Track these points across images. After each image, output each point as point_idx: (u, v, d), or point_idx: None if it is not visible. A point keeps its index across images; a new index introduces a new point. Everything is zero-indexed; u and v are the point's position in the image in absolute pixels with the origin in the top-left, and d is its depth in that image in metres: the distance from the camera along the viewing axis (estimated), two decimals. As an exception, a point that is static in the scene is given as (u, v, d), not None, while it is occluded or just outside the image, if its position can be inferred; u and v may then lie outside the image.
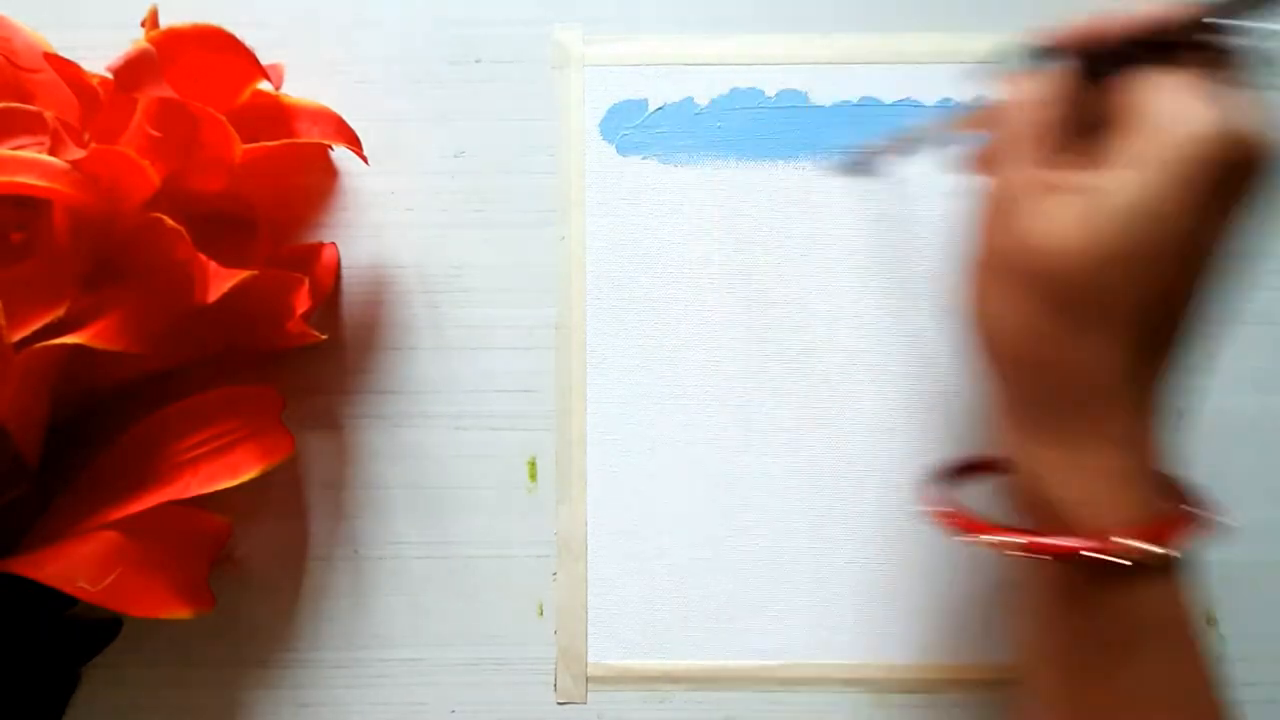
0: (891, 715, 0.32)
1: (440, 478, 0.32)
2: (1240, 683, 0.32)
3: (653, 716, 0.32)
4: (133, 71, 0.26)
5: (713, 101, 0.33)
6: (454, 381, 0.33)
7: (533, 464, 0.32)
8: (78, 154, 0.26)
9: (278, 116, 0.31)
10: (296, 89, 0.32)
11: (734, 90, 0.33)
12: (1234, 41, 0.22)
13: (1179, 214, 0.21)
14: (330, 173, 0.33)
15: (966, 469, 0.29)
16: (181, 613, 0.28)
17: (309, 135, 0.31)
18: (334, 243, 0.32)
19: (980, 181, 0.25)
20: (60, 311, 0.26)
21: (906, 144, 0.32)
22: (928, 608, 0.32)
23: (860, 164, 0.33)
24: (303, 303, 0.30)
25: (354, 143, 0.31)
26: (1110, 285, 0.22)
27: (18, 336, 0.26)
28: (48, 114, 0.27)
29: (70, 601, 0.28)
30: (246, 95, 0.30)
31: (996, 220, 0.24)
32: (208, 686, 0.32)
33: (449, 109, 0.33)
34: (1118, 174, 0.22)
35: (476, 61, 0.33)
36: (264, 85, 0.30)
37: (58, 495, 0.29)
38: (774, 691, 0.32)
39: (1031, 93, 0.24)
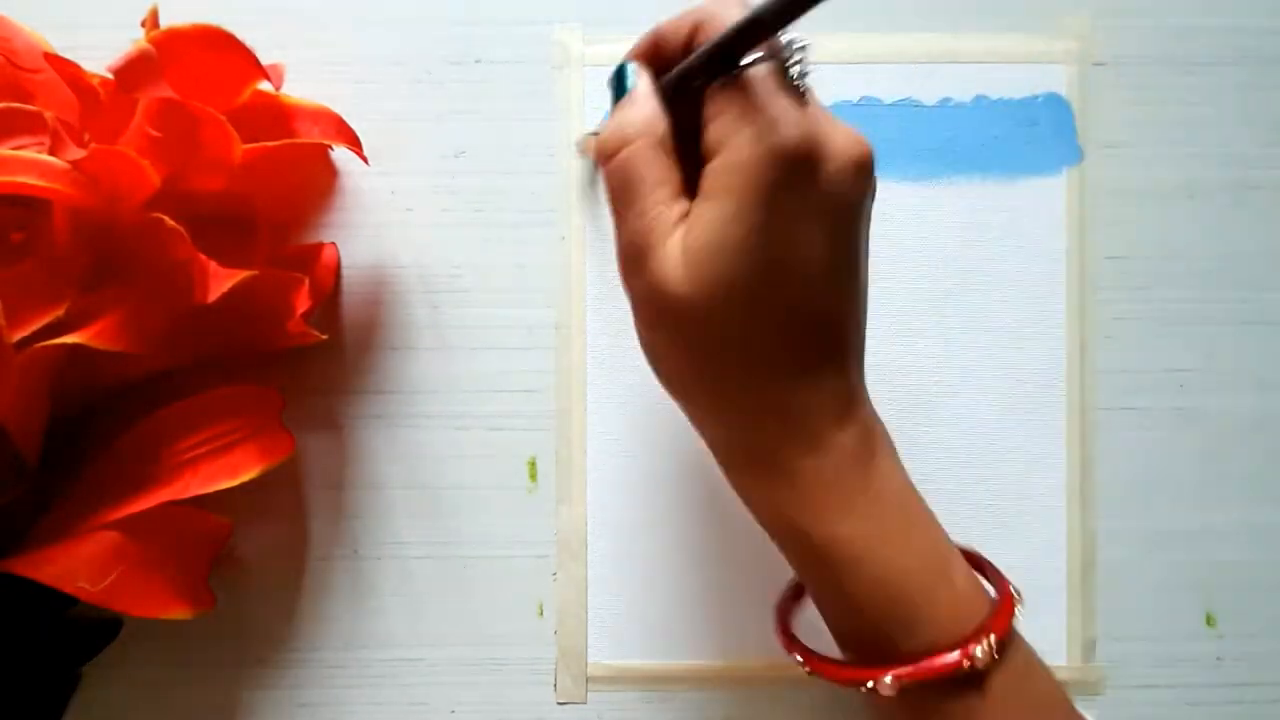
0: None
1: (440, 478, 0.32)
2: (1240, 683, 0.32)
3: (653, 716, 0.32)
4: (133, 72, 0.26)
5: (713, 101, 0.33)
6: (454, 381, 0.33)
7: (533, 464, 0.32)
8: (78, 154, 0.26)
9: (278, 116, 0.31)
10: (296, 89, 0.32)
11: (734, 90, 0.33)
12: (783, 49, 0.22)
13: (764, 235, 0.21)
14: (330, 173, 0.33)
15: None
16: (181, 613, 0.28)
17: (309, 135, 0.31)
18: (334, 243, 0.32)
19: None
20: (60, 311, 0.26)
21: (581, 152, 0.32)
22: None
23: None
24: (303, 303, 0.30)
25: (354, 143, 0.31)
26: (735, 317, 0.22)
27: (18, 336, 0.26)
28: (48, 114, 0.27)
29: (70, 601, 0.28)
30: (246, 95, 0.30)
31: (629, 270, 0.24)
32: (208, 686, 0.32)
33: (449, 109, 0.33)
34: (701, 206, 0.22)
35: (476, 61, 0.33)
36: (264, 85, 0.30)
37: (58, 495, 0.29)
38: (774, 691, 0.32)
39: (645, 123, 0.23)
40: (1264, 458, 0.32)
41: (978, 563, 0.26)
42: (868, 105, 0.33)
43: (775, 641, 0.27)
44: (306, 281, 0.30)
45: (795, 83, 0.22)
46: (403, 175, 0.33)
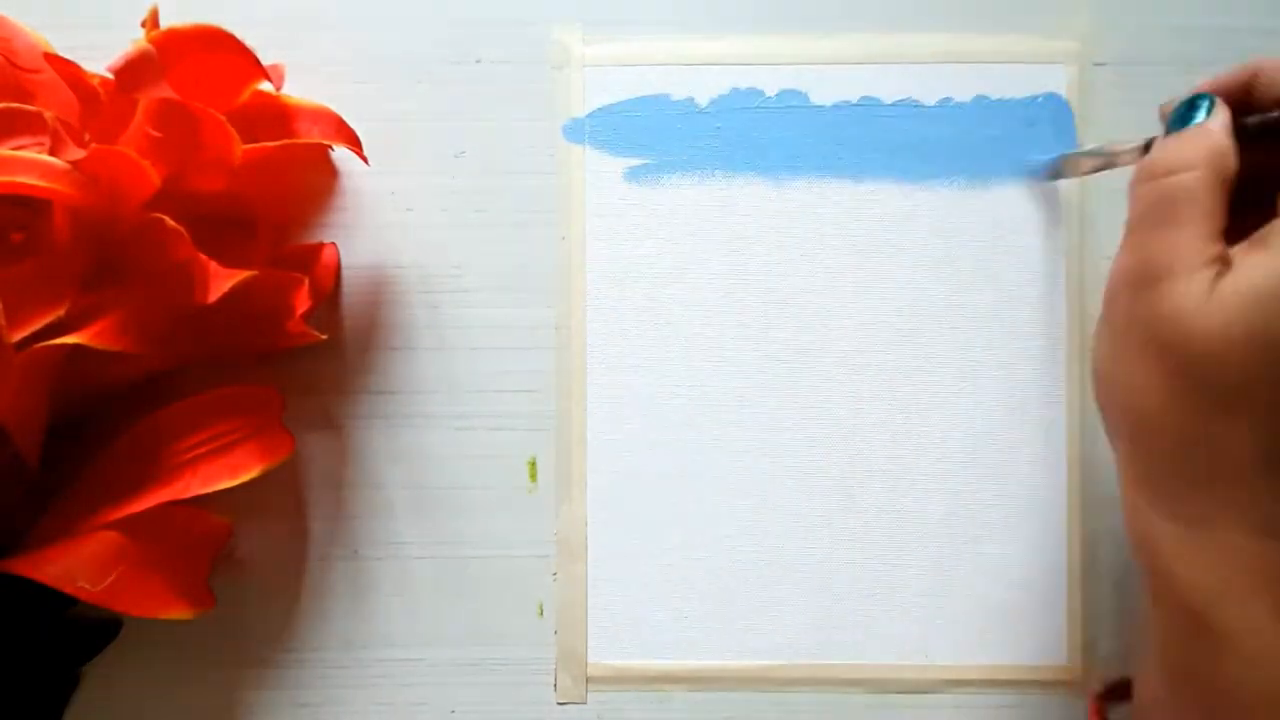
0: (891, 715, 0.32)
1: (440, 478, 0.32)
2: (1240, 683, 0.32)
3: (653, 716, 0.32)
4: (133, 72, 0.26)
5: (713, 101, 0.33)
6: (454, 381, 0.33)
7: (533, 464, 0.32)
8: (78, 154, 0.26)
9: (278, 117, 0.31)
10: (296, 89, 0.32)
11: (734, 90, 0.33)
12: None
13: None
14: (330, 173, 0.33)
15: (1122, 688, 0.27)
16: (181, 613, 0.28)
17: (309, 135, 0.31)
18: (334, 243, 0.32)
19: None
20: (60, 311, 0.26)
21: (1096, 161, 0.30)
22: (928, 608, 0.32)
23: (1056, 174, 0.32)
24: (303, 303, 0.30)
25: (354, 143, 0.31)
26: (1256, 371, 0.21)
27: (18, 336, 0.26)
28: (48, 114, 0.27)
29: (70, 601, 0.28)
30: (247, 95, 0.30)
31: (1134, 288, 0.23)
32: (208, 686, 0.32)
33: (449, 109, 0.33)
34: (1261, 254, 0.21)
35: (476, 62, 0.33)
36: (264, 85, 0.30)
37: (58, 495, 0.29)
38: (774, 691, 0.32)
39: (1212, 155, 0.23)
40: (1264, 458, 0.32)
41: None
42: (868, 105, 0.33)
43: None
44: (306, 281, 0.30)
45: None
46: (403, 175, 0.33)
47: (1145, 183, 0.23)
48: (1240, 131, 0.23)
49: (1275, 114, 0.23)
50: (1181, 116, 0.24)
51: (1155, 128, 0.28)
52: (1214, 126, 0.23)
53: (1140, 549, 0.24)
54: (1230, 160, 0.23)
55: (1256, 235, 0.22)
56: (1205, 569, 0.22)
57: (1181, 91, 0.33)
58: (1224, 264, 0.22)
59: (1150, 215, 0.23)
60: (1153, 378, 0.22)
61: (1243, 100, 0.24)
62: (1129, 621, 0.32)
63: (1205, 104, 0.24)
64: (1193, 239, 0.22)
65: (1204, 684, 0.22)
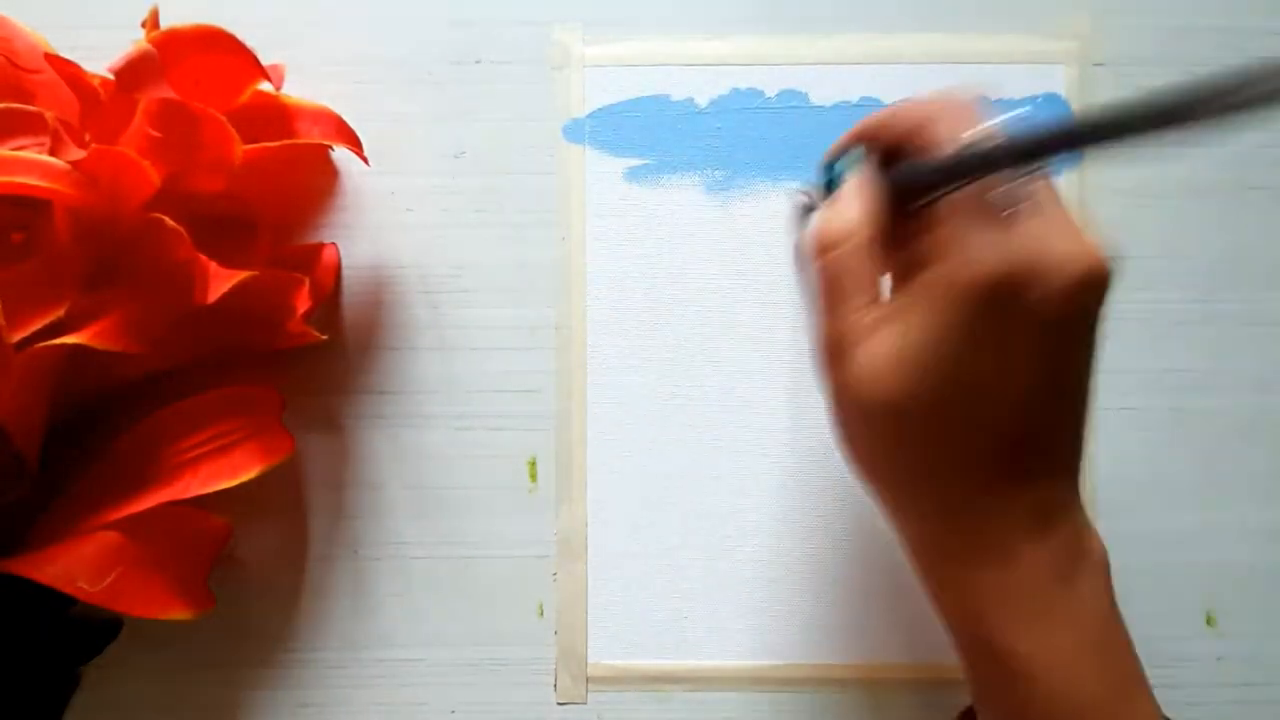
0: (891, 715, 0.32)
1: (440, 478, 0.32)
2: (1240, 683, 0.32)
3: (653, 716, 0.32)
4: (134, 72, 0.26)
5: (712, 101, 0.33)
6: (454, 381, 0.33)
7: (533, 464, 0.32)
8: (78, 154, 0.26)
9: (278, 117, 0.31)
10: (296, 89, 0.32)
11: (734, 90, 0.33)
12: (1028, 167, 0.22)
13: (966, 358, 0.21)
14: (330, 173, 0.33)
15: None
16: (181, 613, 0.28)
17: (309, 135, 0.31)
18: (334, 243, 0.32)
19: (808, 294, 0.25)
20: (60, 311, 0.26)
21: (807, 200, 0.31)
22: (927, 608, 0.32)
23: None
24: (303, 303, 0.30)
25: (354, 143, 0.31)
26: (928, 426, 0.22)
27: (18, 336, 0.26)
28: (48, 114, 0.27)
29: (70, 601, 0.28)
30: (247, 96, 0.30)
31: (828, 364, 0.24)
32: (208, 686, 0.32)
33: (449, 109, 0.33)
34: (910, 313, 0.22)
35: (476, 62, 0.33)
36: (264, 85, 0.30)
37: (58, 495, 0.29)
38: (774, 691, 0.32)
39: (866, 218, 0.24)
40: (1264, 458, 0.32)
41: None
42: (868, 105, 0.33)
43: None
44: (306, 281, 0.30)
45: (1021, 198, 0.22)
46: (403, 175, 0.33)
47: (816, 259, 0.24)
48: (890, 185, 0.24)
49: (915, 171, 0.24)
50: (829, 170, 0.26)
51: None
52: (861, 189, 0.24)
53: (928, 593, 0.25)
54: (875, 224, 0.24)
55: (912, 285, 0.23)
56: (966, 600, 0.24)
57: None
58: (888, 323, 0.23)
59: (825, 293, 0.24)
60: (867, 441, 0.24)
61: (892, 143, 0.25)
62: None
63: (851, 159, 0.25)
64: (855, 312, 0.23)
65: (1008, 714, 0.24)
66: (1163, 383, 0.32)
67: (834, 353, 0.24)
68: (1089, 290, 0.22)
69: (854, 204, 0.24)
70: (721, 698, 0.32)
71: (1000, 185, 0.22)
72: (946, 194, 0.22)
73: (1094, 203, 0.32)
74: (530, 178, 0.33)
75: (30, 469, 0.28)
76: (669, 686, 0.32)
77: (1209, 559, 0.32)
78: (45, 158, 0.26)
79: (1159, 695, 0.33)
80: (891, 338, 0.22)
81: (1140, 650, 0.33)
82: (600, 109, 0.33)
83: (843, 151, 0.26)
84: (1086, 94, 0.32)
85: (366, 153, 0.31)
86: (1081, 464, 0.24)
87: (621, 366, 0.32)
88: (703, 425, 0.32)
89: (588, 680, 0.32)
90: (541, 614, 0.32)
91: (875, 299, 0.23)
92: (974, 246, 0.21)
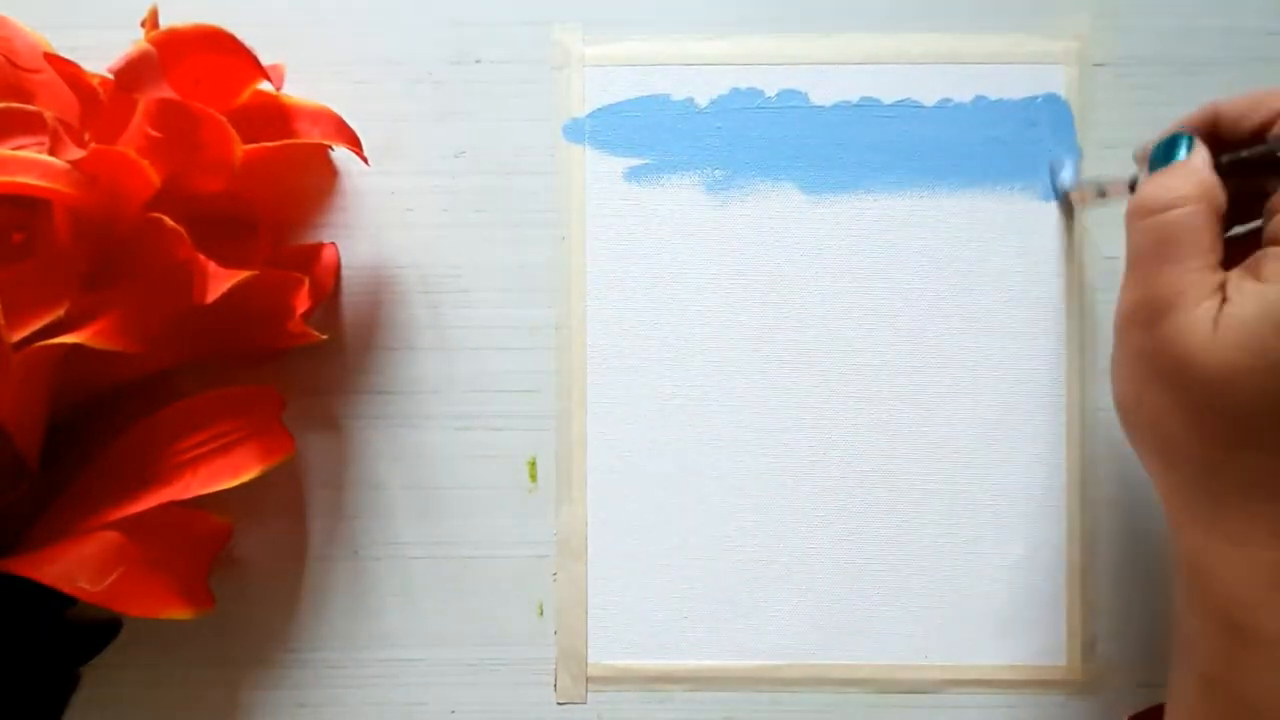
0: (891, 715, 0.32)
1: (440, 478, 0.32)
2: (1240, 683, 0.32)
3: (653, 716, 0.32)
4: (134, 72, 0.26)
5: (713, 101, 0.33)
6: (454, 381, 0.33)
7: (533, 464, 0.32)
8: (78, 154, 0.26)
9: (278, 117, 0.31)
10: (296, 89, 0.32)
11: (734, 90, 0.33)
12: None
13: None
14: (330, 173, 0.33)
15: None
16: (181, 613, 0.28)
17: (309, 135, 0.31)
18: (334, 243, 0.32)
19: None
20: (60, 311, 0.26)
21: (1090, 193, 0.31)
22: (928, 608, 0.32)
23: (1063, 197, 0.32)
24: (303, 303, 0.30)
25: (354, 143, 0.31)
26: (1265, 398, 0.22)
27: (18, 336, 0.26)
28: (48, 114, 0.27)
29: (70, 601, 0.28)
30: (247, 95, 0.30)
31: (1142, 323, 0.24)
32: (208, 686, 0.32)
33: (449, 109, 0.33)
34: (1259, 284, 0.22)
35: (476, 62, 0.33)
36: (264, 85, 0.30)
37: (58, 495, 0.29)
38: (774, 691, 0.32)
39: (1204, 189, 0.24)
40: (1264, 458, 0.32)
41: None
42: (868, 105, 0.33)
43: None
44: (306, 281, 0.30)
45: None
46: (403, 175, 0.33)
47: (1143, 218, 0.24)
48: (1217, 168, 0.25)
49: (1247, 151, 0.24)
50: (1163, 155, 0.26)
51: (1155, 129, 0.28)
52: (1198, 163, 0.24)
53: (1181, 561, 0.25)
54: (1219, 193, 0.24)
55: (1248, 263, 0.23)
56: (1242, 581, 0.23)
57: (1181, 92, 0.33)
58: (1224, 293, 0.23)
59: (1152, 251, 0.24)
60: (1170, 407, 0.23)
61: (1209, 139, 0.25)
62: (1136, 627, 0.32)
63: (1185, 142, 0.25)
64: (1194, 271, 0.23)
65: (1236, 691, 0.23)
66: None
67: (1154, 312, 0.23)
68: None
69: (1194, 174, 0.24)
70: (721, 698, 0.32)
71: None
72: None
73: (1093, 202, 0.32)
74: (530, 178, 0.33)
75: (30, 469, 0.28)
76: (669, 686, 0.32)
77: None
78: (45, 157, 0.26)
79: (1158, 695, 0.33)
80: (1243, 304, 0.22)
81: (1140, 650, 0.33)
82: (600, 109, 0.33)
83: (1175, 140, 0.26)
84: (1086, 94, 0.32)
85: (366, 153, 0.31)
86: None
87: (621, 366, 0.32)
88: (703, 425, 0.32)
89: (588, 680, 0.32)
90: (541, 614, 0.32)
91: (1216, 267, 0.23)
92: None
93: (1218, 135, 0.25)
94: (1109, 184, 0.29)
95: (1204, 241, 0.23)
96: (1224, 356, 0.22)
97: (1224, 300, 0.22)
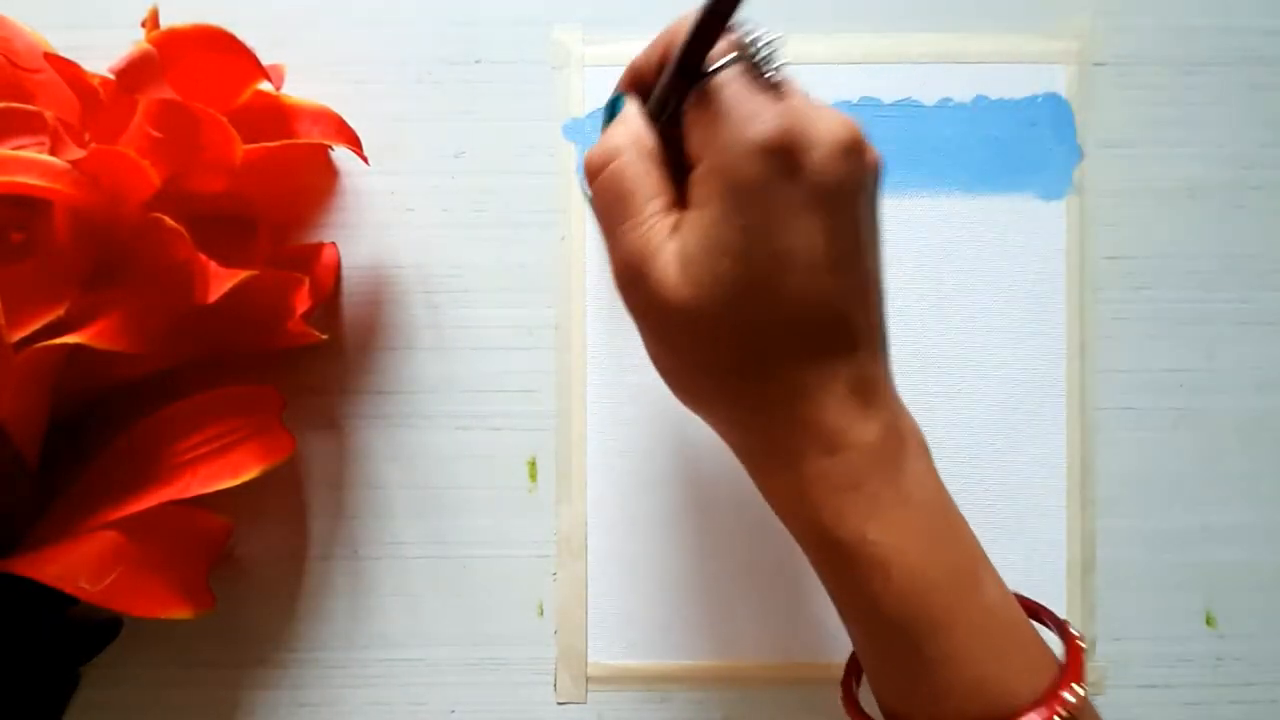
0: (891, 715, 0.32)
1: (440, 478, 0.32)
2: (1240, 683, 0.32)
3: (653, 716, 0.32)
4: (134, 73, 0.26)
5: (713, 101, 0.33)
6: (454, 381, 0.33)
7: (533, 464, 0.32)
8: (78, 154, 0.26)
9: (278, 117, 0.31)
10: (297, 89, 0.32)
11: (734, 90, 0.33)
12: (748, 46, 0.22)
13: (754, 233, 0.21)
14: (330, 173, 0.33)
15: None
16: (181, 613, 0.28)
17: (309, 135, 0.31)
18: (334, 243, 0.32)
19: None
20: (60, 311, 0.26)
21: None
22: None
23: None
24: (303, 303, 0.30)
25: (354, 143, 0.31)
26: (734, 315, 0.22)
27: (18, 336, 0.26)
28: (48, 114, 0.27)
29: (70, 601, 0.28)
30: (247, 96, 0.30)
31: (627, 286, 0.23)
32: (208, 686, 0.32)
33: (449, 109, 0.33)
34: (690, 213, 0.22)
35: (476, 62, 0.33)
36: (264, 85, 0.30)
37: (58, 495, 0.29)
38: (774, 691, 0.32)
39: (631, 138, 0.24)
40: (1264, 458, 0.32)
41: (1033, 610, 0.25)
42: (868, 105, 0.33)
43: (841, 708, 0.26)
44: (306, 281, 0.30)
45: (768, 77, 0.22)
46: (403, 175, 0.33)
47: (594, 181, 0.24)
48: (652, 114, 0.24)
49: (658, 87, 0.24)
50: (607, 117, 0.26)
51: (1156, 128, 0.28)
52: (628, 114, 0.24)
53: (773, 508, 0.25)
54: (647, 137, 0.24)
55: (688, 198, 0.23)
56: (817, 501, 0.23)
57: (1181, 92, 0.33)
58: (673, 235, 0.22)
59: (609, 210, 0.24)
60: (677, 358, 0.24)
61: (641, 93, 0.25)
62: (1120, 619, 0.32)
63: (617, 101, 0.25)
64: (649, 218, 0.23)
65: (855, 608, 0.24)
66: (1163, 383, 0.32)
67: (632, 270, 0.23)
68: (856, 156, 0.22)
69: (623, 125, 0.24)
70: (721, 698, 0.32)
71: (741, 60, 0.22)
72: (694, 89, 0.22)
73: (1093, 203, 0.32)
74: (530, 178, 0.33)
75: (30, 469, 0.28)
76: (669, 686, 0.32)
77: (1209, 559, 0.32)
78: (45, 157, 0.26)
79: (1158, 695, 0.33)
80: (684, 238, 0.22)
81: (1140, 650, 0.33)
82: (600, 109, 0.33)
83: (613, 104, 0.26)
84: (1086, 94, 0.33)
85: (366, 153, 0.31)
86: (887, 344, 0.24)
87: (621, 366, 0.32)
88: (702, 425, 0.32)
89: (588, 680, 0.32)
90: (541, 614, 0.32)
91: (666, 210, 0.23)
92: (746, 116, 0.21)
93: (643, 86, 0.25)
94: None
95: (648, 188, 0.23)
96: (685, 292, 0.22)
97: (675, 239, 0.22)
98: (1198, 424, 0.32)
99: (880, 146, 0.33)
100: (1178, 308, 0.33)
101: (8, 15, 0.30)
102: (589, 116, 0.33)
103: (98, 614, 0.30)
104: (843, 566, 0.23)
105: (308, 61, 0.33)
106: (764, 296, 0.22)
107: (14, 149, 0.26)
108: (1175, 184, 0.33)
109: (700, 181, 0.22)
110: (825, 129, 0.22)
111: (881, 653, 0.24)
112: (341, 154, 0.32)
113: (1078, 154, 0.32)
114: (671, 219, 0.23)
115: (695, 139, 0.22)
